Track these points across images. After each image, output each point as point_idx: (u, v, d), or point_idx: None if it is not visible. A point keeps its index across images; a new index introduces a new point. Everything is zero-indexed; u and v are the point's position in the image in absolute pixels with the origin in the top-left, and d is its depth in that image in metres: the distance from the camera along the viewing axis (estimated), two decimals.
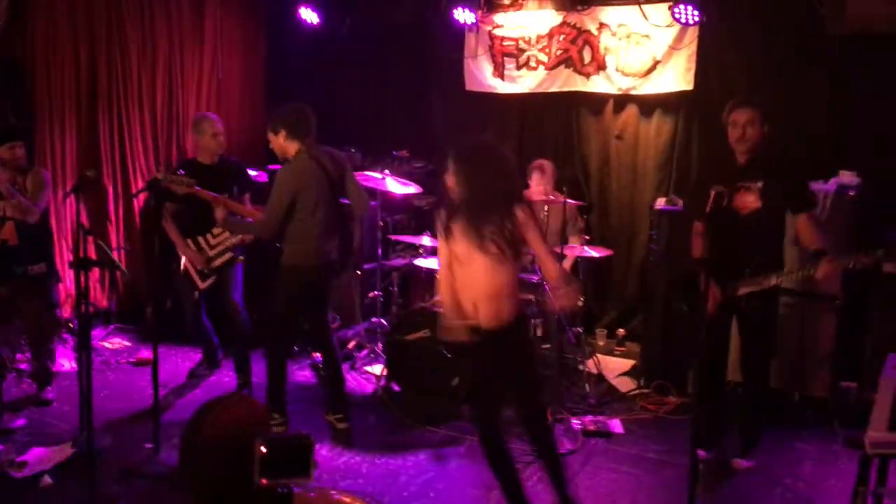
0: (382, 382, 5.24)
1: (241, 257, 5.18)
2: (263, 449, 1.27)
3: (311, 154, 4.50)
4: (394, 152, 6.73)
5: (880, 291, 4.79)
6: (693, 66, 6.07)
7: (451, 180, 3.46)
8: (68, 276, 5.82)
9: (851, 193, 5.05)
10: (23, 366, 5.39)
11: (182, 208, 5.01)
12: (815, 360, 5.11)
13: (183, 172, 4.76)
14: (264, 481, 1.26)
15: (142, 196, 6.29)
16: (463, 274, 3.47)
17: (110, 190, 6.55)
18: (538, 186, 5.93)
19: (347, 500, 1.52)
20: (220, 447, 1.72)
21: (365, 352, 6.00)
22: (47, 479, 3.99)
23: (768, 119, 4.07)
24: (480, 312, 3.45)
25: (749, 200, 3.98)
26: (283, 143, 4.52)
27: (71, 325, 6.00)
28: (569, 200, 5.33)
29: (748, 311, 4.10)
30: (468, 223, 3.40)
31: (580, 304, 5.69)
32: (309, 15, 7.09)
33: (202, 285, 5.12)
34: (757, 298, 4.02)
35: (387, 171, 5.88)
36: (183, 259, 5.12)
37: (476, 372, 3.60)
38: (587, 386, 5.45)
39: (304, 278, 4.58)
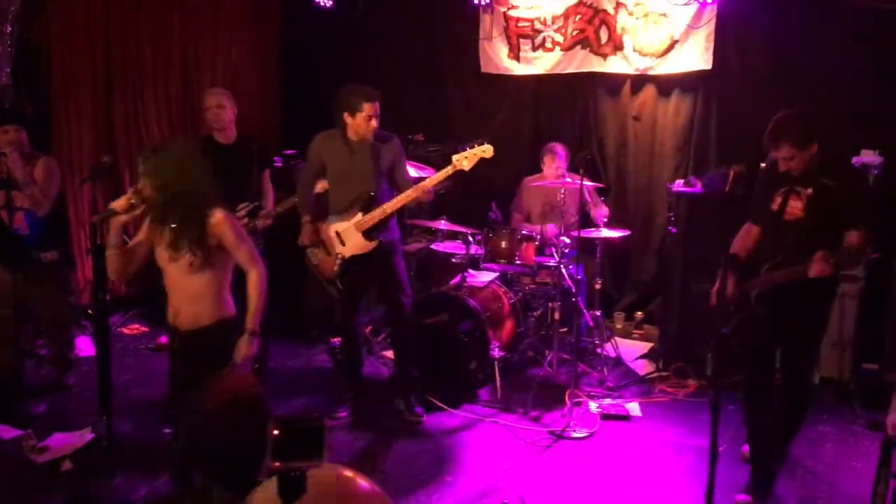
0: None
1: (260, 245, 5.05)
2: (276, 432, 1.26)
3: None
4: (409, 136, 6.70)
5: None
6: (712, 44, 5.98)
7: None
8: (88, 262, 5.85)
9: (875, 173, 4.97)
10: (42, 352, 5.42)
11: None
12: (836, 343, 5.05)
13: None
14: (277, 464, 1.25)
15: None
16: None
17: (126, 175, 6.57)
18: (549, 170, 5.89)
19: (349, 474, 1.52)
20: (223, 417, 1.77)
21: (382, 336, 6.00)
22: (68, 464, 4.02)
23: (814, 137, 3.60)
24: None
25: (796, 207, 3.68)
26: None
27: (90, 311, 6.03)
28: (585, 183, 5.27)
29: (759, 312, 3.79)
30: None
31: (597, 287, 5.66)
32: None
33: None
34: (768, 299, 3.72)
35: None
36: None
37: None
38: (605, 369, 5.43)
39: None
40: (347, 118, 4.46)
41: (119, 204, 3.26)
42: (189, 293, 3.35)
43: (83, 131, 6.31)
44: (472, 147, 4.39)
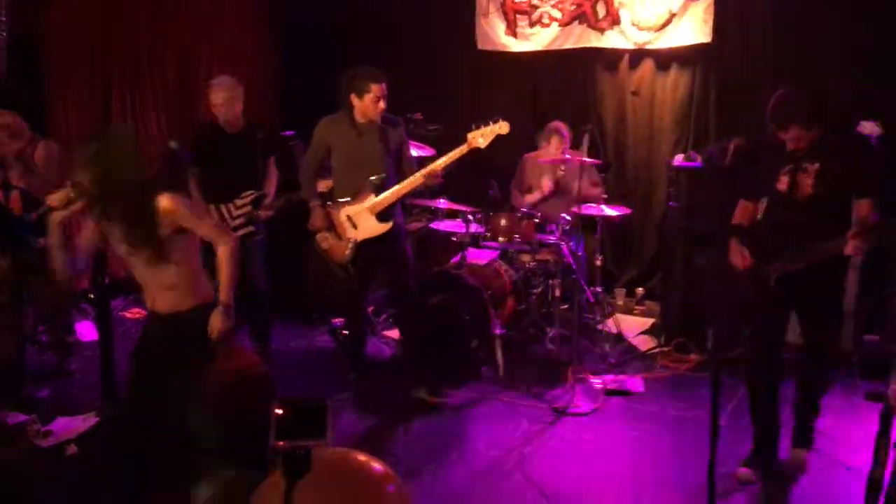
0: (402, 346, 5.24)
1: (261, 234, 4.95)
2: (279, 411, 1.26)
3: None
4: (407, 115, 6.65)
5: None
6: (711, 17, 5.95)
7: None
8: None
9: (873, 142, 4.96)
10: (43, 338, 5.43)
11: (205, 175, 4.94)
12: None
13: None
14: (281, 443, 1.26)
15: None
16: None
17: None
18: (555, 151, 5.85)
19: (363, 458, 1.52)
20: (230, 396, 1.76)
21: (384, 316, 6.01)
22: (73, 448, 4.04)
23: (821, 116, 3.52)
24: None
25: (805, 184, 3.58)
26: None
27: (91, 295, 6.03)
28: (585, 159, 5.26)
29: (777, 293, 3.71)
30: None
31: (598, 263, 5.66)
32: None
33: None
34: (782, 284, 3.65)
35: None
36: None
37: None
38: (607, 345, 5.44)
39: None
40: (354, 100, 4.42)
41: (56, 198, 3.06)
42: (160, 282, 3.20)
43: (81, 124, 6.29)
44: (486, 125, 4.36)
